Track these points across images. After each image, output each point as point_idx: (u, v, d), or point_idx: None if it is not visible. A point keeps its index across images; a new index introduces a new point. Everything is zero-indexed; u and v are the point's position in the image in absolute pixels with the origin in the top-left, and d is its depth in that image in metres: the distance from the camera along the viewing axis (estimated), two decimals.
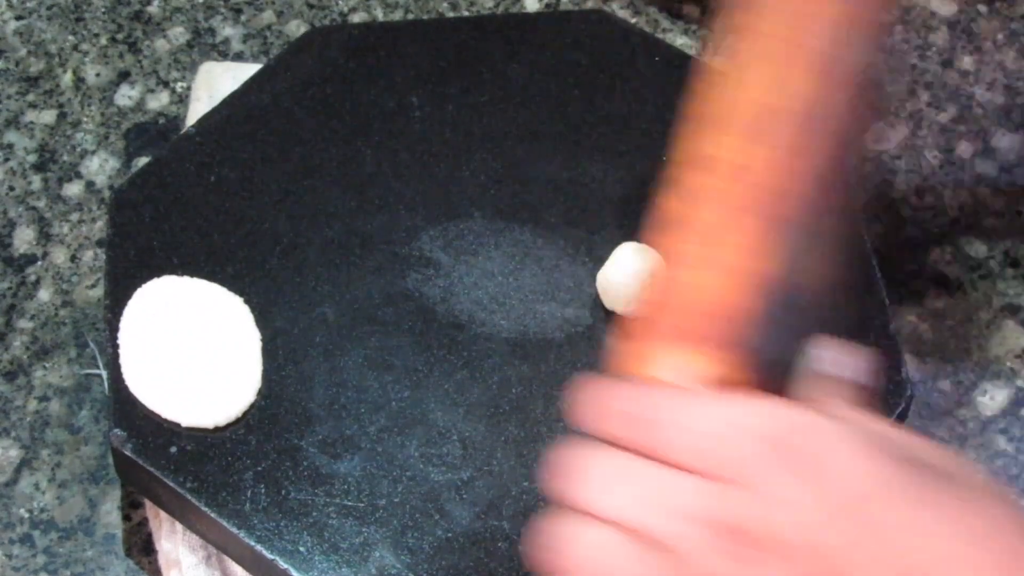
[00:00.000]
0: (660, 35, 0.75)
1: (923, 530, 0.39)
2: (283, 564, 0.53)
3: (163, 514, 0.57)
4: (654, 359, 0.46)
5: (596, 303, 0.60)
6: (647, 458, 0.42)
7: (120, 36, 0.75)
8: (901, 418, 0.58)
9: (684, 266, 0.48)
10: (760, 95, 0.50)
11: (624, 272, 0.59)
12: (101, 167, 0.71)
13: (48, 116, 0.72)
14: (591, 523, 0.42)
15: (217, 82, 0.69)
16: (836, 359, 0.45)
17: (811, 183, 0.49)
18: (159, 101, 0.73)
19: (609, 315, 0.59)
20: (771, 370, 0.46)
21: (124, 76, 0.74)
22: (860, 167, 0.52)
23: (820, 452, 0.40)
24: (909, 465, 0.40)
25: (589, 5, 0.77)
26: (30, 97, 0.73)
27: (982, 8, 0.78)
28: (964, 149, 0.73)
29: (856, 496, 0.39)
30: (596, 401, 0.45)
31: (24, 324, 0.65)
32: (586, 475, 0.43)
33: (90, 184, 0.70)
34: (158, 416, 0.56)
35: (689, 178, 0.49)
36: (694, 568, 0.40)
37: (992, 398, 0.65)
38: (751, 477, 0.40)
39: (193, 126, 0.64)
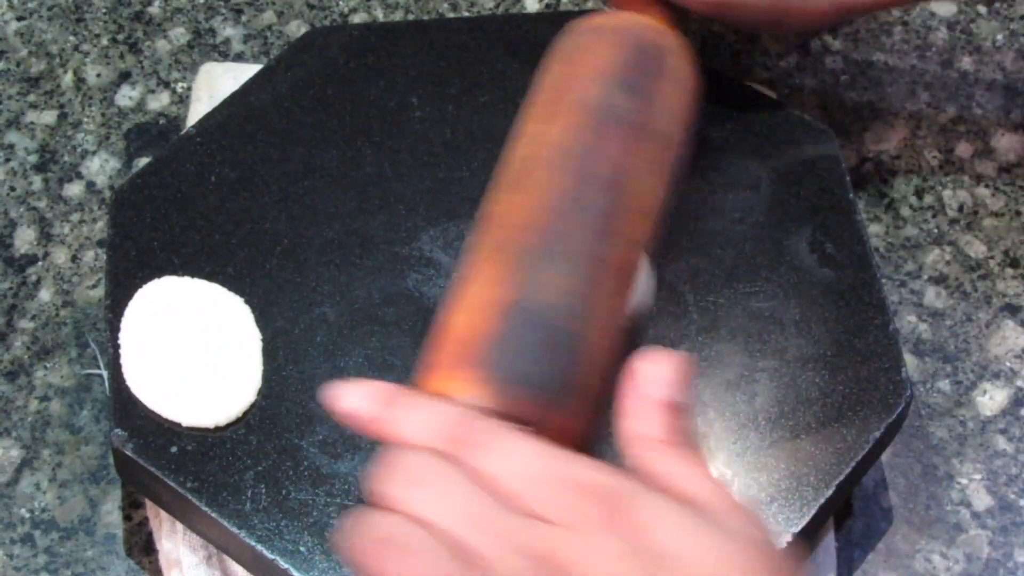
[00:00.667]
0: None
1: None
2: (283, 564, 0.53)
3: (163, 514, 0.58)
4: (432, 391, 0.49)
5: None
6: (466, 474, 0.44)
7: (121, 36, 0.75)
8: (901, 418, 0.58)
9: (449, 309, 0.51)
10: (524, 149, 0.55)
11: None
12: (102, 167, 0.71)
13: (49, 116, 0.72)
14: (406, 522, 0.43)
15: (217, 82, 0.70)
16: (664, 376, 0.46)
17: (558, 213, 0.52)
18: (160, 101, 0.73)
19: None
20: (528, 388, 0.48)
21: (125, 76, 0.74)
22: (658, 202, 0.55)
23: (630, 512, 0.42)
24: (706, 534, 0.43)
25: (589, 5, 0.78)
26: (31, 97, 0.73)
27: (982, 8, 0.78)
28: (964, 149, 0.73)
29: (650, 551, 0.42)
30: (409, 410, 0.46)
31: (25, 324, 0.66)
32: (408, 475, 0.44)
33: (91, 184, 0.70)
34: (158, 416, 0.56)
35: (473, 235, 0.53)
36: None
37: (992, 398, 0.65)
38: (563, 521, 0.42)
39: (193, 126, 0.64)
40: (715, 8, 0.61)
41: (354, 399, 0.47)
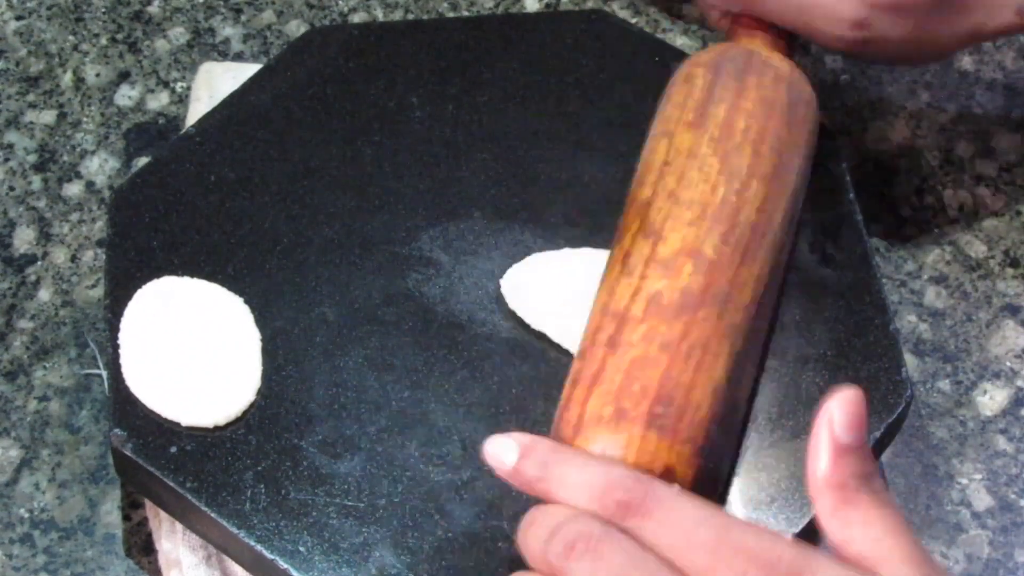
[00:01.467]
0: (660, 35, 0.75)
1: None
2: (283, 564, 0.53)
3: (163, 514, 0.57)
4: (641, 447, 0.48)
5: None
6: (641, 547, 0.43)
7: (120, 36, 0.75)
8: (901, 418, 0.58)
9: (659, 345, 0.50)
10: (752, 212, 0.54)
11: (530, 278, 0.59)
12: (101, 167, 0.71)
13: (48, 116, 0.72)
14: None
15: (217, 82, 0.69)
16: (854, 416, 0.45)
17: (759, 305, 0.54)
18: (159, 101, 0.73)
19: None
20: (711, 471, 0.49)
21: (124, 76, 0.74)
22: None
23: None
24: None
25: (589, 5, 0.77)
26: (30, 97, 0.73)
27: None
28: (964, 149, 0.73)
29: None
30: (564, 469, 0.46)
31: (24, 324, 0.66)
32: (576, 545, 0.43)
33: (90, 184, 0.70)
34: (158, 416, 0.56)
35: (678, 262, 0.52)
36: None
37: (992, 398, 0.65)
38: None
39: (193, 126, 0.64)
40: (858, 47, 0.62)
41: (510, 456, 0.47)
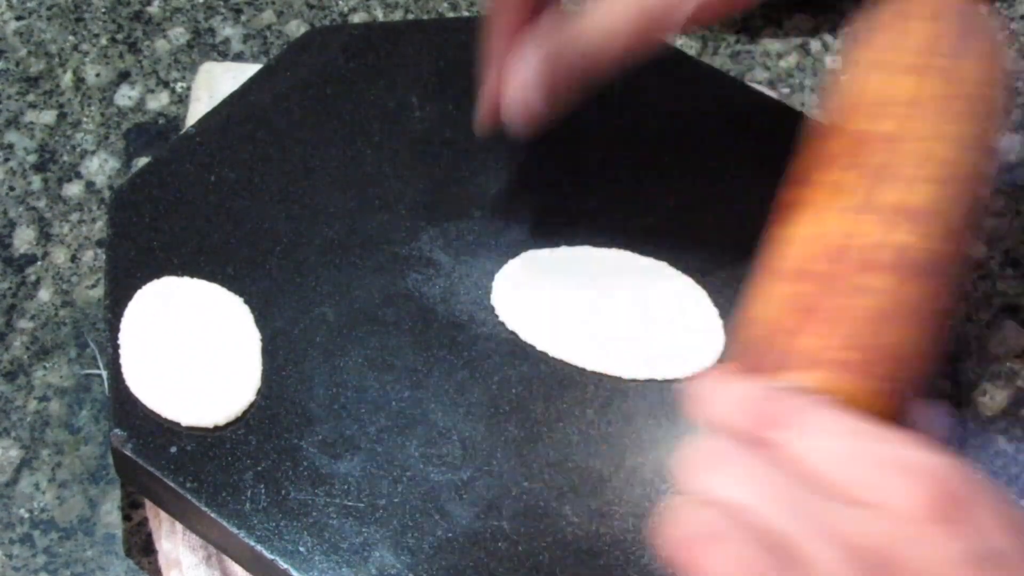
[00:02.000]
0: None
1: None
2: (283, 564, 0.53)
3: (163, 514, 0.57)
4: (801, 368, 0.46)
5: None
6: (779, 461, 0.41)
7: (120, 36, 0.75)
8: None
9: (899, 314, 0.47)
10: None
11: (521, 281, 0.59)
12: (101, 167, 0.71)
13: (48, 116, 0.72)
14: (722, 513, 0.40)
15: (217, 82, 0.69)
16: (935, 418, 0.45)
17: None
18: (159, 101, 0.73)
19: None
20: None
21: (124, 76, 0.74)
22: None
23: (967, 504, 0.39)
24: None
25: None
26: (30, 97, 0.73)
27: (982, 8, 0.78)
28: None
29: (988, 558, 0.39)
30: (722, 387, 0.44)
31: (24, 324, 0.66)
32: (710, 461, 0.42)
33: (90, 184, 0.70)
34: (158, 416, 0.56)
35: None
36: None
37: (992, 398, 0.65)
38: (894, 508, 0.39)
39: (193, 126, 0.64)
40: None
41: (697, 382, 0.45)
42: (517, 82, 0.56)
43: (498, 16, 0.56)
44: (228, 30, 0.76)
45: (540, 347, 0.58)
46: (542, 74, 0.55)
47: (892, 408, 0.46)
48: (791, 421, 0.42)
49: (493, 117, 0.58)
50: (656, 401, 0.58)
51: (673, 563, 0.41)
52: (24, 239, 0.68)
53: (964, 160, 0.51)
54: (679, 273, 0.61)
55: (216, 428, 0.56)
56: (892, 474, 0.40)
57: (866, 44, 0.55)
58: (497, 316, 0.59)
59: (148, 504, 0.59)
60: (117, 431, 0.55)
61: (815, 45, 0.76)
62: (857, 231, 0.49)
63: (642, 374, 0.58)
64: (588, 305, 0.59)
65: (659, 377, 0.58)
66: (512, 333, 0.59)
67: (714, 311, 0.60)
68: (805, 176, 0.52)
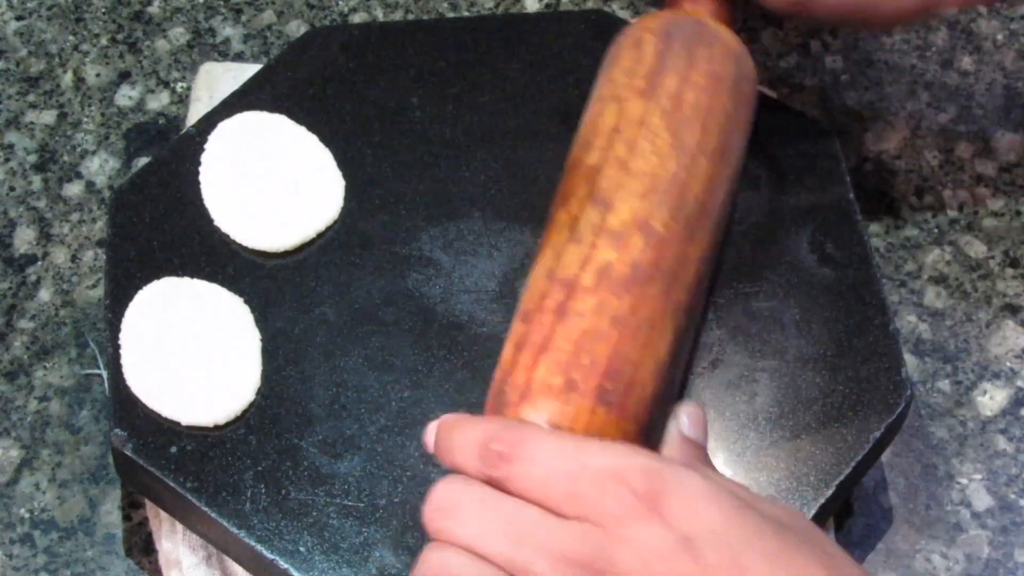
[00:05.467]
0: None
1: (748, 570, 0.42)
2: (283, 564, 0.53)
3: (163, 514, 0.57)
4: (590, 421, 0.48)
5: None
6: (505, 491, 0.44)
7: (120, 36, 0.75)
8: (901, 418, 0.58)
9: (609, 319, 0.50)
10: (698, 187, 0.54)
11: None
12: (101, 167, 0.71)
13: (48, 116, 0.72)
14: (457, 552, 0.44)
15: (217, 82, 0.69)
16: (697, 420, 0.48)
17: (699, 283, 0.54)
18: (159, 101, 0.73)
19: None
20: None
21: (124, 76, 0.74)
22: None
23: (665, 493, 0.43)
24: (744, 513, 0.43)
25: (589, 5, 0.78)
26: (30, 97, 0.73)
27: (982, 8, 0.78)
28: (964, 149, 0.73)
29: (694, 537, 0.42)
30: (454, 434, 0.47)
31: (24, 324, 0.66)
32: (445, 505, 0.45)
33: (90, 184, 0.70)
34: (158, 416, 0.56)
35: (629, 237, 0.52)
36: None
37: (992, 398, 0.65)
38: (599, 515, 0.43)
39: (193, 126, 0.64)
40: (798, 8, 0.61)
41: (428, 434, 0.48)
42: None
43: None
44: (228, 30, 0.76)
45: None
46: None
47: (625, 422, 0.49)
48: (513, 454, 0.45)
49: None
50: None
51: None
52: (24, 239, 0.68)
53: (672, 168, 0.53)
54: None
55: (216, 428, 0.56)
56: (596, 484, 0.43)
57: (597, 79, 0.58)
58: (497, 316, 0.59)
59: (148, 504, 0.59)
60: (117, 431, 0.55)
61: (815, 45, 0.76)
62: (561, 261, 0.51)
63: None
64: None
65: None
66: None
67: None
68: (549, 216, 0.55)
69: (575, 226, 0.52)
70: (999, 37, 0.77)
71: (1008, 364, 0.66)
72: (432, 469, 0.55)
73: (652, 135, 0.54)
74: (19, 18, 0.76)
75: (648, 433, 0.49)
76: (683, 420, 0.48)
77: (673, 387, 0.53)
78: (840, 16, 0.62)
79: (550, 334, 0.50)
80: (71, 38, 0.75)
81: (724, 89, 0.57)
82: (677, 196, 0.53)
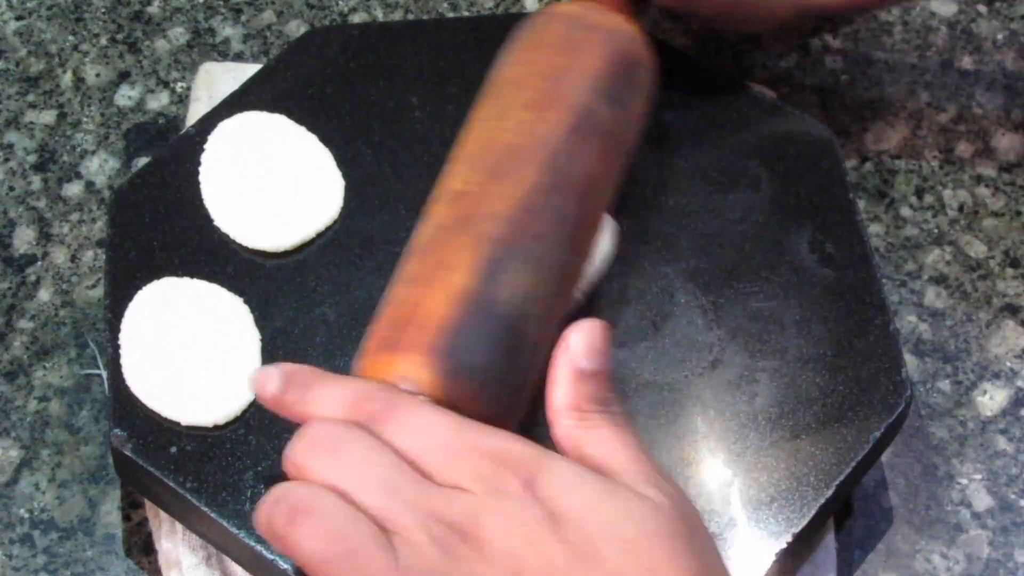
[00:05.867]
0: (660, 35, 0.75)
1: (601, 554, 0.44)
2: (283, 564, 0.53)
3: (163, 514, 0.57)
4: (374, 369, 0.49)
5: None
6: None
7: (120, 36, 0.75)
8: (901, 418, 0.58)
9: (401, 282, 0.52)
10: (510, 134, 0.55)
11: None
12: (101, 167, 0.71)
13: (48, 116, 0.72)
14: (326, 493, 0.44)
15: (217, 82, 0.69)
16: (593, 343, 0.47)
17: (533, 213, 0.53)
18: (159, 101, 0.73)
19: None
20: (475, 378, 0.49)
21: (124, 76, 0.74)
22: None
23: (539, 475, 0.44)
24: (609, 499, 0.44)
25: None
26: (30, 97, 0.73)
27: (982, 8, 0.78)
28: (964, 149, 0.73)
29: (559, 516, 0.44)
30: (316, 387, 0.48)
31: (24, 324, 0.65)
32: (320, 444, 0.45)
33: (90, 184, 0.70)
34: (158, 416, 0.56)
35: (434, 209, 0.53)
36: (414, 553, 0.43)
37: (992, 398, 0.65)
38: (473, 486, 0.44)
39: (193, 126, 0.64)
40: (678, 3, 0.63)
41: (266, 382, 0.48)
42: None
43: None
44: (228, 30, 0.76)
45: None
46: None
47: (408, 355, 0.49)
48: (388, 416, 0.46)
49: None
50: (656, 401, 0.58)
51: (271, 539, 0.44)
52: (24, 239, 0.68)
53: (507, 120, 0.55)
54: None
55: (216, 428, 0.56)
56: (472, 458, 0.44)
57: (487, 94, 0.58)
58: None
59: (148, 504, 0.59)
60: (117, 431, 0.55)
61: (815, 45, 0.76)
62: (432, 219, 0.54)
63: None
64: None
65: None
66: None
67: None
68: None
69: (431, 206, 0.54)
70: (999, 37, 0.77)
71: (1008, 364, 0.66)
72: None
73: (479, 124, 0.56)
74: (19, 18, 0.76)
75: (449, 352, 0.48)
76: (575, 348, 0.47)
77: (512, 307, 0.50)
78: (719, 13, 0.63)
79: (377, 312, 0.52)
80: (71, 38, 0.75)
81: (564, 52, 0.57)
82: (480, 152, 0.54)
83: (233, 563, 0.56)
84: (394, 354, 0.49)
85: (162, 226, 0.61)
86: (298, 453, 0.45)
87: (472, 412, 0.47)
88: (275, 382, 0.48)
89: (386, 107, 0.65)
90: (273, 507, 0.44)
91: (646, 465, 0.46)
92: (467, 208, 0.52)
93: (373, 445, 0.45)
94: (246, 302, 0.59)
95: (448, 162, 0.55)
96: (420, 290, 0.50)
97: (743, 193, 0.63)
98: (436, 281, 0.50)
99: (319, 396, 0.47)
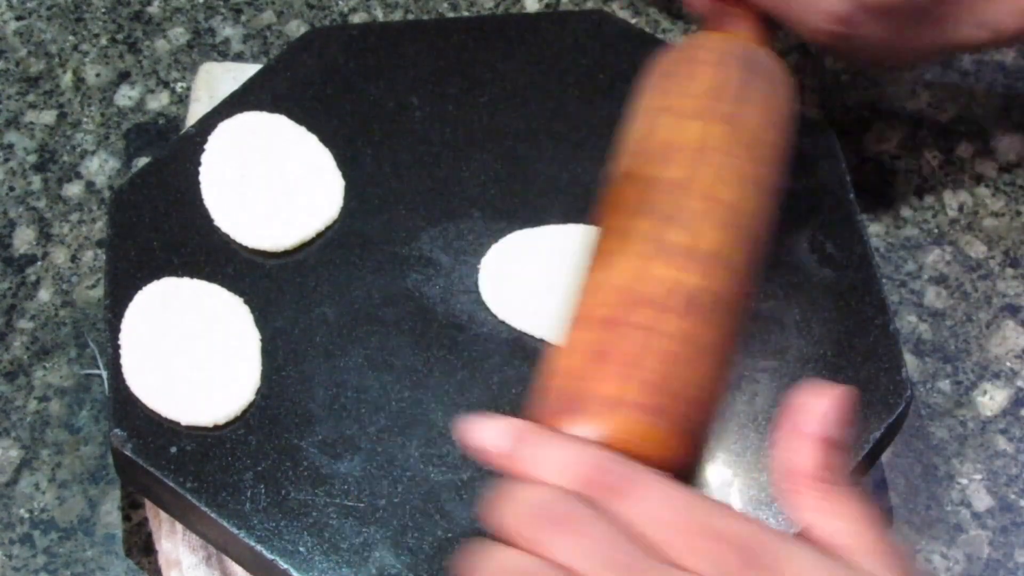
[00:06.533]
0: (660, 35, 0.75)
1: None
2: (283, 564, 0.53)
3: (163, 514, 0.57)
4: (593, 418, 0.47)
5: None
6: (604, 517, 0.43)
7: (120, 36, 0.75)
8: (901, 418, 0.58)
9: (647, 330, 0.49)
10: (741, 198, 0.52)
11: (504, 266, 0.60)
12: (101, 167, 0.71)
13: (48, 116, 0.72)
14: (541, 563, 0.42)
15: (217, 82, 0.69)
16: (810, 411, 0.45)
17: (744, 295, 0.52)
18: (159, 101, 0.73)
19: None
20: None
21: (124, 76, 0.74)
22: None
23: (776, 561, 0.42)
24: None
25: (589, 5, 0.77)
26: (30, 97, 0.73)
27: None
28: (964, 149, 0.73)
29: None
30: (542, 448, 0.45)
31: (24, 324, 0.65)
32: (545, 514, 0.43)
33: (90, 184, 0.70)
34: (158, 416, 0.56)
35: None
36: None
37: (992, 398, 0.65)
38: (705, 571, 0.41)
39: (193, 126, 0.64)
40: (836, 41, 0.62)
41: (488, 435, 0.46)
42: None
43: None
44: (228, 30, 0.76)
45: (524, 328, 0.58)
46: None
47: (686, 447, 0.48)
48: (624, 490, 0.43)
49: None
50: None
51: None
52: (24, 239, 0.68)
53: (747, 204, 0.52)
54: None
55: (216, 428, 0.56)
56: (712, 542, 0.42)
57: (654, 89, 0.57)
58: (497, 316, 0.59)
59: (148, 504, 0.59)
60: (117, 431, 0.55)
61: (815, 45, 0.76)
62: (647, 275, 0.50)
63: None
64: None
65: None
66: (512, 333, 0.59)
67: None
68: (601, 222, 0.53)
69: (661, 243, 0.51)
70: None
71: (1008, 364, 0.66)
72: (432, 469, 0.55)
73: (735, 165, 0.53)
74: (19, 18, 0.76)
75: (697, 466, 0.48)
76: (823, 413, 0.45)
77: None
78: (872, 55, 0.64)
79: (641, 352, 0.48)
80: (71, 38, 0.75)
81: (783, 127, 0.56)
82: (747, 233, 0.52)
83: (233, 563, 0.56)
84: (690, 446, 0.47)
85: (162, 226, 0.61)
86: (519, 520, 0.43)
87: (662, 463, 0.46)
88: (506, 438, 0.45)
89: (386, 107, 0.65)
90: (487, 573, 0.43)
91: (888, 546, 0.44)
92: (738, 294, 0.51)
93: (602, 520, 0.43)
94: (246, 302, 0.59)
95: (714, 187, 0.53)
96: (708, 378, 0.49)
97: None
98: (720, 378, 0.49)
99: (546, 457, 0.45)
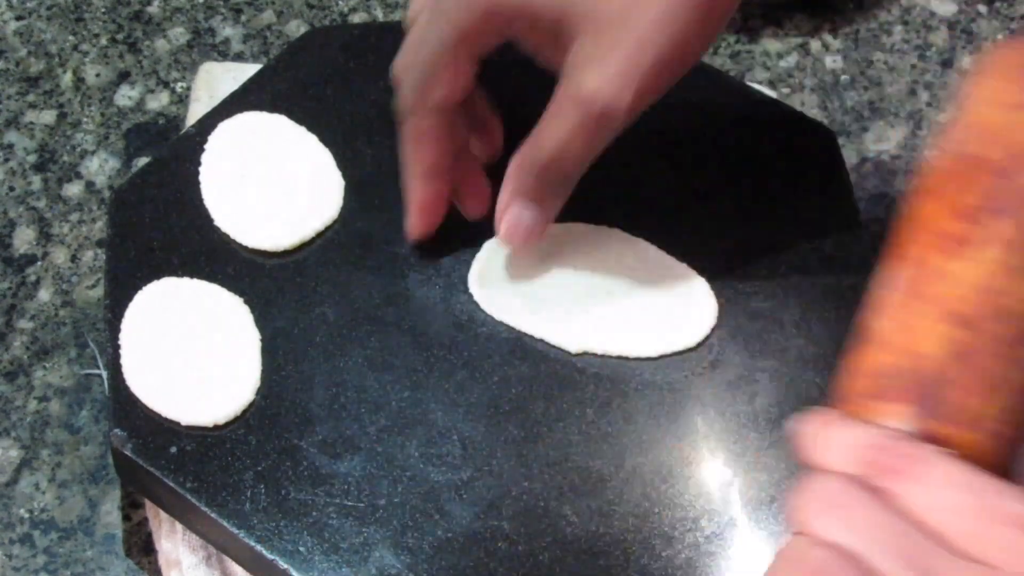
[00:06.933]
0: None
1: None
2: (283, 564, 0.53)
3: (163, 514, 0.57)
4: (896, 413, 0.44)
5: None
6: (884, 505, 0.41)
7: (120, 36, 0.75)
8: None
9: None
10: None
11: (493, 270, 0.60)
12: (101, 167, 0.71)
13: (48, 116, 0.72)
14: (834, 555, 0.40)
15: (217, 82, 0.70)
16: None
17: None
18: (159, 101, 0.73)
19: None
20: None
21: (124, 76, 0.74)
22: None
23: None
24: None
25: None
26: (30, 97, 0.73)
27: (982, 8, 0.78)
28: None
29: None
30: (833, 430, 0.44)
31: (24, 324, 0.66)
32: (826, 503, 0.41)
33: (90, 184, 0.70)
34: (158, 416, 0.56)
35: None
36: None
37: None
38: (1009, 564, 0.39)
39: (193, 126, 0.64)
40: None
41: (801, 423, 0.45)
42: (514, 219, 0.57)
43: (417, 151, 0.59)
44: (228, 30, 0.76)
45: (517, 326, 0.58)
46: (534, 194, 0.57)
47: (1003, 462, 0.45)
48: (910, 471, 0.41)
49: (426, 226, 0.60)
50: (656, 401, 0.58)
51: None
52: (24, 239, 0.68)
53: None
54: (663, 253, 0.61)
55: (216, 428, 0.56)
56: (1010, 532, 0.39)
57: (1010, 83, 0.52)
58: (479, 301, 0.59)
59: (148, 504, 0.59)
60: (117, 431, 0.55)
61: (815, 45, 0.76)
62: (1013, 290, 0.46)
63: (630, 351, 0.58)
64: (572, 282, 0.59)
65: (645, 355, 0.58)
66: (512, 333, 0.59)
67: (704, 285, 0.60)
68: (928, 206, 0.50)
69: (1011, 271, 0.46)
70: (999, 37, 0.77)
71: None
72: (432, 469, 0.55)
73: None
74: (19, 18, 0.76)
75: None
76: None
77: None
78: None
79: (1004, 373, 0.45)
80: (71, 38, 0.75)
81: None
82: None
83: (233, 563, 0.56)
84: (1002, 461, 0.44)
85: (162, 226, 0.61)
86: (805, 511, 0.41)
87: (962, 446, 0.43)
88: (802, 422, 0.44)
89: (386, 107, 0.65)
90: (792, 569, 0.41)
91: None
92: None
93: (883, 507, 0.40)
94: (246, 302, 0.59)
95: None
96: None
97: (743, 193, 0.63)
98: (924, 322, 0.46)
99: (828, 440, 0.43)
